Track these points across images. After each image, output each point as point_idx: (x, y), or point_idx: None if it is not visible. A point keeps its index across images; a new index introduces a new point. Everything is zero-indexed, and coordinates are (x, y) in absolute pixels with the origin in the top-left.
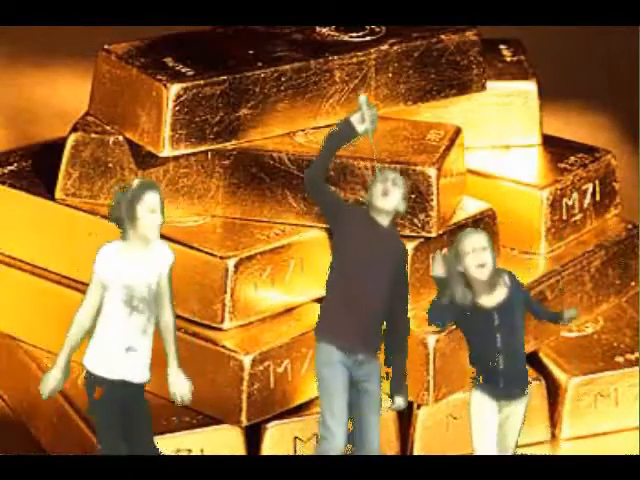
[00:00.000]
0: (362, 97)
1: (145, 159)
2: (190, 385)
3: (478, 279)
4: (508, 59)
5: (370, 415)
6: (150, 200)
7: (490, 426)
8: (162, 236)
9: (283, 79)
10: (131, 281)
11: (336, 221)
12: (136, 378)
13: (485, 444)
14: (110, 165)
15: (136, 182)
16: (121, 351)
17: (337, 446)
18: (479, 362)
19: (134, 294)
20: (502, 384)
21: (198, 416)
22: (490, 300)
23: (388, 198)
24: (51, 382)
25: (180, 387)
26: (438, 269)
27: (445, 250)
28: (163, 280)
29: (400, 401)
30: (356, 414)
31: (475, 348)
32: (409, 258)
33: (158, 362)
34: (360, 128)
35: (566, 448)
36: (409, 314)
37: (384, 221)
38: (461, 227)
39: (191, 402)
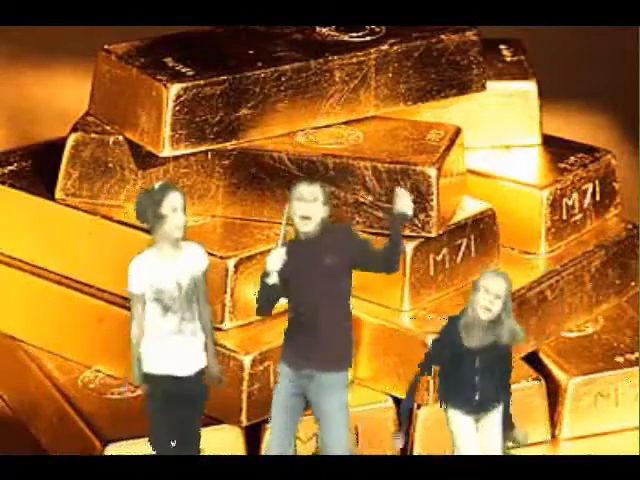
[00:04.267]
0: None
1: (145, 159)
2: (220, 369)
3: (478, 317)
4: (508, 59)
5: (327, 431)
6: (174, 199)
7: (469, 434)
8: None
9: (283, 79)
10: (161, 282)
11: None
12: (179, 372)
13: (468, 452)
14: (110, 165)
15: (157, 184)
16: (160, 349)
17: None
18: (452, 393)
19: (164, 295)
20: (475, 406)
21: None
22: (474, 341)
23: (311, 221)
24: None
25: (213, 371)
26: None
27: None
28: (197, 281)
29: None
30: (319, 429)
31: (450, 382)
32: (408, 258)
33: None
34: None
35: (566, 448)
36: (409, 314)
37: (314, 234)
38: (461, 227)
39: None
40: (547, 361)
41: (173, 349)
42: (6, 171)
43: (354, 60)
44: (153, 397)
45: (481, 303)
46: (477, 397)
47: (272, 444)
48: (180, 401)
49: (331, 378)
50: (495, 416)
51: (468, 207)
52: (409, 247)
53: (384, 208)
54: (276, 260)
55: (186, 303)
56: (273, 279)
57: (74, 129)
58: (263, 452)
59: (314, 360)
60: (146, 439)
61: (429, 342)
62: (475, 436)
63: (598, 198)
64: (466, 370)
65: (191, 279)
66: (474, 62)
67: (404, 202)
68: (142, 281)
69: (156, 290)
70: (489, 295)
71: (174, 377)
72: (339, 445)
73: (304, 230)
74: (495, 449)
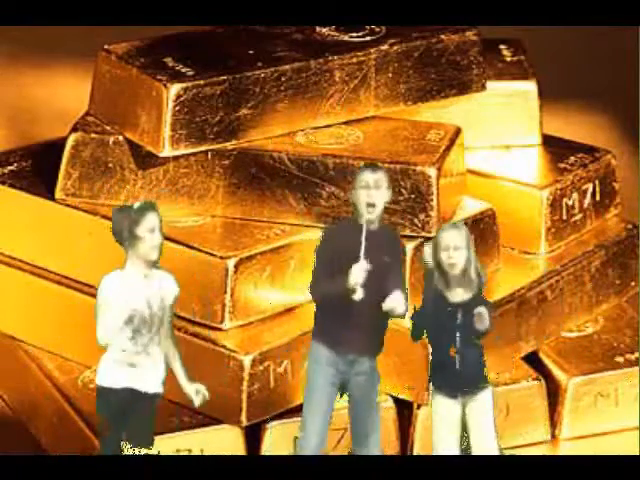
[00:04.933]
0: None
1: (145, 159)
2: (201, 386)
3: (449, 273)
4: (508, 59)
5: (367, 415)
6: (151, 220)
7: (449, 426)
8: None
9: (283, 79)
10: (133, 303)
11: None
12: (142, 387)
13: (444, 445)
14: (110, 165)
15: (136, 205)
16: (125, 366)
17: (309, 445)
18: (436, 359)
19: (135, 316)
20: (459, 382)
21: (198, 416)
22: (456, 296)
23: (375, 209)
24: None
25: (194, 394)
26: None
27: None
28: (166, 309)
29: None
30: (354, 414)
31: (434, 345)
32: (408, 258)
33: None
34: None
35: (566, 448)
36: (409, 314)
37: (373, 225)
38: None
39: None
40: (547, 361)
41: (136, 366)
42: (6, 171)
43: (354, 60)
44: (108, 408)
45: (445, 261)
46: (458, 365)
47: (307, 437)
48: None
49: (375, 366)
50: (484, 401)
51: (468, 207)
52: (409, 247)
53: (384, 208)
54: (359, 274)
55: (155, 327)
56: (359, 295)
57: (74, 129)
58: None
59: (362, 345)
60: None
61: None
62: (454, 424)
63: (598, 198)
64: (448, 327)
65: (161, 305)
66: (474, 62)
67: None
68: (113, 296)
69: (127, 308)
70: (448, 250)
71: (133, 390)
72: (377, 437)
73: (370, 217)
74: (488, 437)
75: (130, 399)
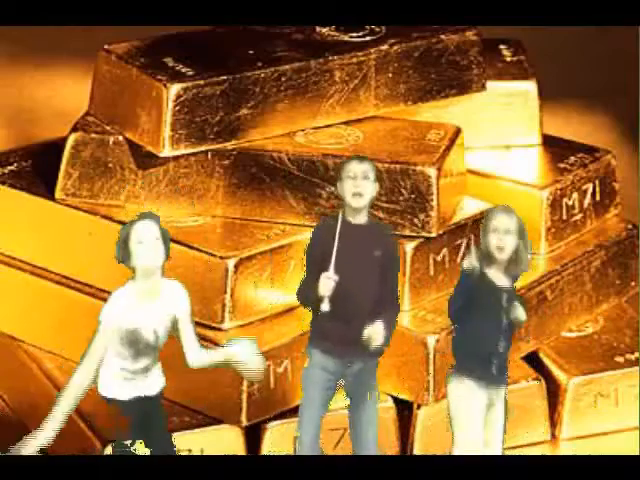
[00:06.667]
0: None
1: (145, 159)
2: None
3: (495, 258)
4: (508, 59)
5: (365, 415)
6: (139, 231)
7: (478, 418)
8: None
9: (283, 79)
10: (137, 325)
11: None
12: (147, 392)
13: (471, 438)
14: (110, 165)
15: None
16: (126, 380)
17: (304, 445)
18: (475, 345)
19: (139, 338)
20: (495, 370)
21: (198, 416)
22: (501, 280)
23: (362, 198)
24: (40, 443)
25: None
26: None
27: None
28: (180, 321)
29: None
30: (352, 414)
31: (477, 328)
32: (408, 258)
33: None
34: None
35: (566, 448)
36: (409, 313)
37: (362, 219)
38: (461, 227)
39: (191, 402)
40: (547, 361)
41: (136, 380)
42: (6, 171)
43: (354, 60)
44: (133, 416)
45: (493, 244)
46: (502, 349)
47: (305, 442)
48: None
49: (373, 366)
50: (504, 399)
51: (468, 207)
52: (409, 247)
53: (384, 208)
54: (328, 285)
55: (159, 347)
56: (326, 306)
57: (74, 129)
58: (268, 451)
59: (357, 347)
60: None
61: (430, 342)
62: (483, 422)
63: (598, 198)
64: (494, 311)
65: (169, 323)
66: (474, 62)
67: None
68: (117, 317)
69: (131, 330)
70: (498, 233)
71: (142, 397)
72: (374, 438)
73: (356, 206)
74: (498, 440)
75: (139, 406)
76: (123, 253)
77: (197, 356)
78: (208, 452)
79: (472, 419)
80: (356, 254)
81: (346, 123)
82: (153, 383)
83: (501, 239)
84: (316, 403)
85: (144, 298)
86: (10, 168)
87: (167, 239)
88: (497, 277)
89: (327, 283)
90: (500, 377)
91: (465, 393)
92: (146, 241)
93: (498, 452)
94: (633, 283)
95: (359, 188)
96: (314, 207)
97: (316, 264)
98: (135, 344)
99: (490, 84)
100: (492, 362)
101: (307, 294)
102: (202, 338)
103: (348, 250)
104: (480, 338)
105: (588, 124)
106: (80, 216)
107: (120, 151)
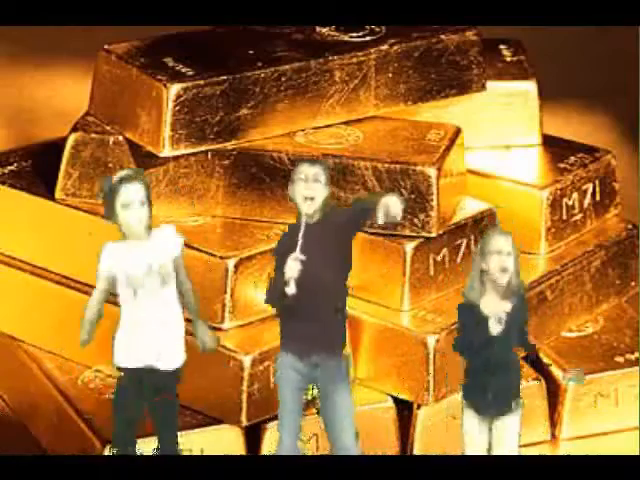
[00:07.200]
0: None
1: (145, 159)
2: (216, 337)
3: (497, 282)
4: (508, 59)
5: (337, 416)
6: (124, 195)
7: (478, 446)
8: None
9: (283, 79)
10: (131, 267)
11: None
12: (159, 365)
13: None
14: (110, 165)
15: (115, 177)
16: (136, 339)
17: (284, 446)
18: (470, 374)
19: (135, 279)
20: (491, 398)
21: (198, 416)
22: (494, 306)
23: (313, 202)
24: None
25: (204, 336)
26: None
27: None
28: (173, 263)
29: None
30: (324, 416)
31: (470, 371)
32: (408, 258)
33: None
34: None
35: (566, 448)
36: (409, 313)
37: (316, 217)
38: (461, 227)
39: (191, 402)
40: (547, 361)
41: (148, 340)
42: (6, 171)
43: (354, 60)
44: (126, 390)
45: (496, 266)
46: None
47: (284, 443)
48: (153, 394)
49: (340, 364)
50: (512, 422)
51: (468, 207)
52: (409, 247)
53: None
54: (294, 266)
55: (159, 287)
56: (292, 289)
57: (74, 129)
58: (268, 451)
59: (321, 346)
60: (146, 439)
61: (430, 342)
62: (483, 440)
63: (598, 198)
64: (484, 341)
65: (164, 262)
66: (474, 62)
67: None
68: (112, 264)
69: (127, 275)
70: (502, 255)
71: (150, 369)
72: (351, 437)
73: (308, 211)
74: (512, 448)
75: (149, 380)
76: (108, 211)
77: (189, 295)
78: (208, 452)
79: (472, 451)
80: (318, 249)
81: (346, 123)
82: (161, 355)
83: (504, 260)
84: (293, 404)
85: (135, 245)
86: (10, 168)
87: (150, 198)
88: (490, 303)
89: (293, 265)
90: (500, 406)
91: (466, 425)
92: (131, 206)
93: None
94: (633, 283)
95: (309, 191)
96: None
97: (276, 268)
98: (131, 284)
99: (490, 84)
100: (485, 392)
101: (272, 288)
102: None
103: (310, 246)
104: (470, 368)
105: (588, 124)
106: (80, 216)
107: (120, 151)
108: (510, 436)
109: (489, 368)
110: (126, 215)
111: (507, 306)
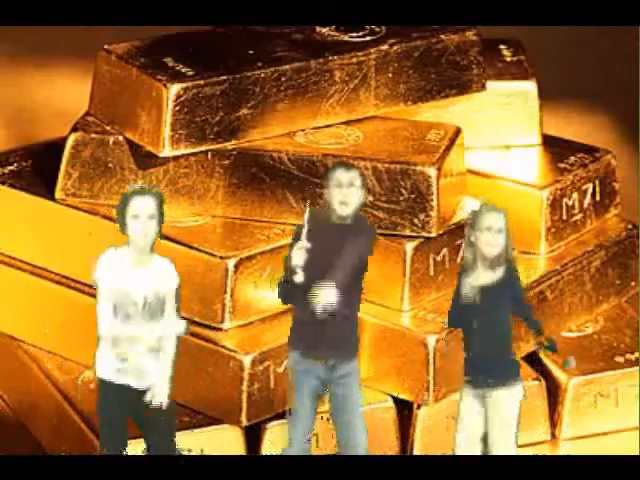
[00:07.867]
0: None
1: (145, 159)
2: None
3: (485, 255)
4: (508, 59)
5: (351, 417)
6: (134, 206)
7: (472, 429)
8: (162, 236)
9: (283, 79)
10: (127, 287)
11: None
12: (137, 384)
13: (462, 443)
14: (110, 165)
15: (132, 187)
16: (118, 357)
17: (292, 452)
18: (466, 347)
19: (127, 300)
20: (477, 370)
21: (198, 416)
22: (478, 279)
23: (348, 206)
24: None
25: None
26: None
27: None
28: (166, 297)
29: None
30: (338, 417)
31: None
32: (408, 258)
33: None
34: None
35: (566, 448)
36: (409, 313)
37: (347, 220)
38: (461, 227)
39: (191, 402)
40: (547, 361)
41: (132, 359)
42: (6, 171)
43: (354, 60)
44: (109, 403)
45: (484, 242)
46: (476, 347)
47: (294, 447)
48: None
49: (356, 364)
50: (507, 400)
51: (468, 207)
52: (409, 247)
53: (384, 208)
54: (299, 254)
55: (148, 316)
56: (299, 277)
57: (74, 129)
58: (269, 452)
59: (338, 349)
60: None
61: (430, 342)
62: (474, 421)
63: (598, 198)
64: (470, 312)
65: (157, 295)
66: (474, 62)
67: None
68: (108, 275)
69: (121, 292)
70: (491, 232)
71: (132, 388)
72: (364, 440)
73: (342, 214)
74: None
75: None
76: (120, 221)
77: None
78: (208, 452)
79: (462, 429)
80: (331, 248)
81: (346, 123)
82: (142, 375)
83: (494, 237)
84: (306, 411)
85: (136, 264)
86: (10, 168)
87: (162, 215)
88: (477, 276)
89: (299, 253)
90: (488, 378)
91: (462, 402)
92: (140, 217)
93: (506, 452)
94: (633, 283)
95: (346, 197)
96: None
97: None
98: (122, 305)
99: (490, 84)
100: (473, 363)
101: (282, 280)
102: (202, 338)
103: (323, 242)
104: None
105: (588, 124)
106: (80, 216)
107: (120, 151)
108: (506, 414)
109: (477, 338)
110: (133, 226)
111: (493, 277)
